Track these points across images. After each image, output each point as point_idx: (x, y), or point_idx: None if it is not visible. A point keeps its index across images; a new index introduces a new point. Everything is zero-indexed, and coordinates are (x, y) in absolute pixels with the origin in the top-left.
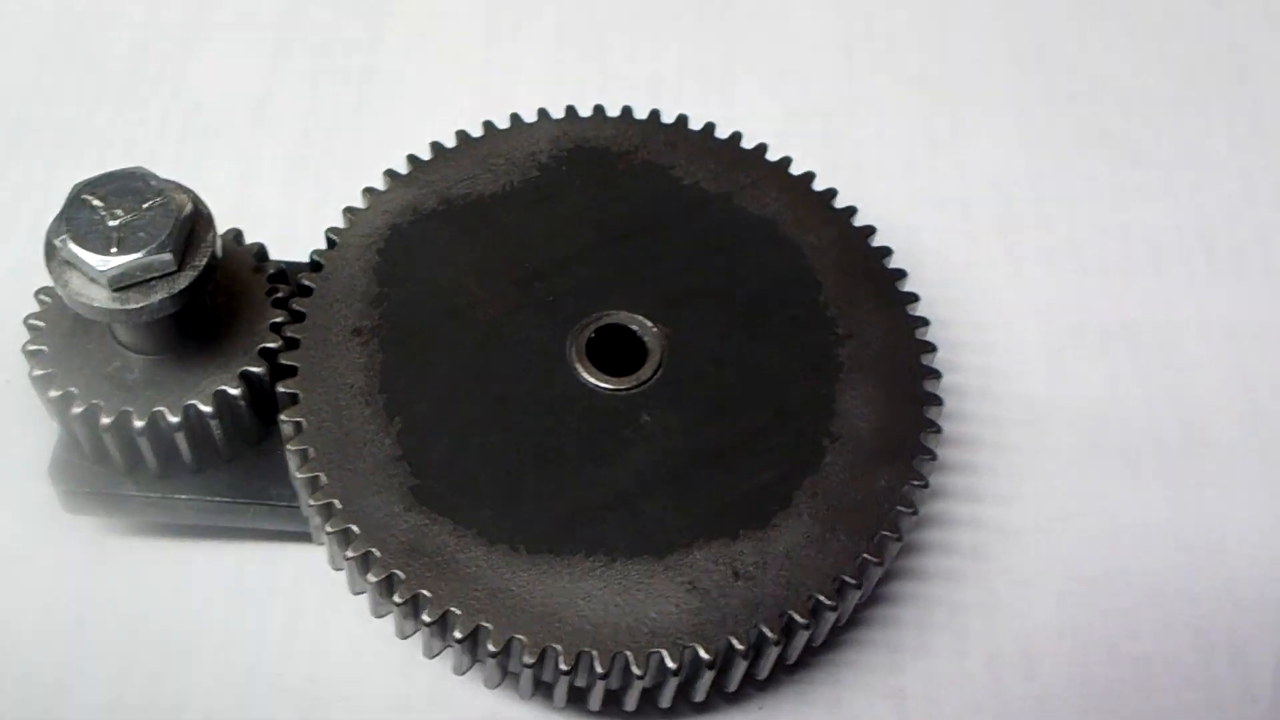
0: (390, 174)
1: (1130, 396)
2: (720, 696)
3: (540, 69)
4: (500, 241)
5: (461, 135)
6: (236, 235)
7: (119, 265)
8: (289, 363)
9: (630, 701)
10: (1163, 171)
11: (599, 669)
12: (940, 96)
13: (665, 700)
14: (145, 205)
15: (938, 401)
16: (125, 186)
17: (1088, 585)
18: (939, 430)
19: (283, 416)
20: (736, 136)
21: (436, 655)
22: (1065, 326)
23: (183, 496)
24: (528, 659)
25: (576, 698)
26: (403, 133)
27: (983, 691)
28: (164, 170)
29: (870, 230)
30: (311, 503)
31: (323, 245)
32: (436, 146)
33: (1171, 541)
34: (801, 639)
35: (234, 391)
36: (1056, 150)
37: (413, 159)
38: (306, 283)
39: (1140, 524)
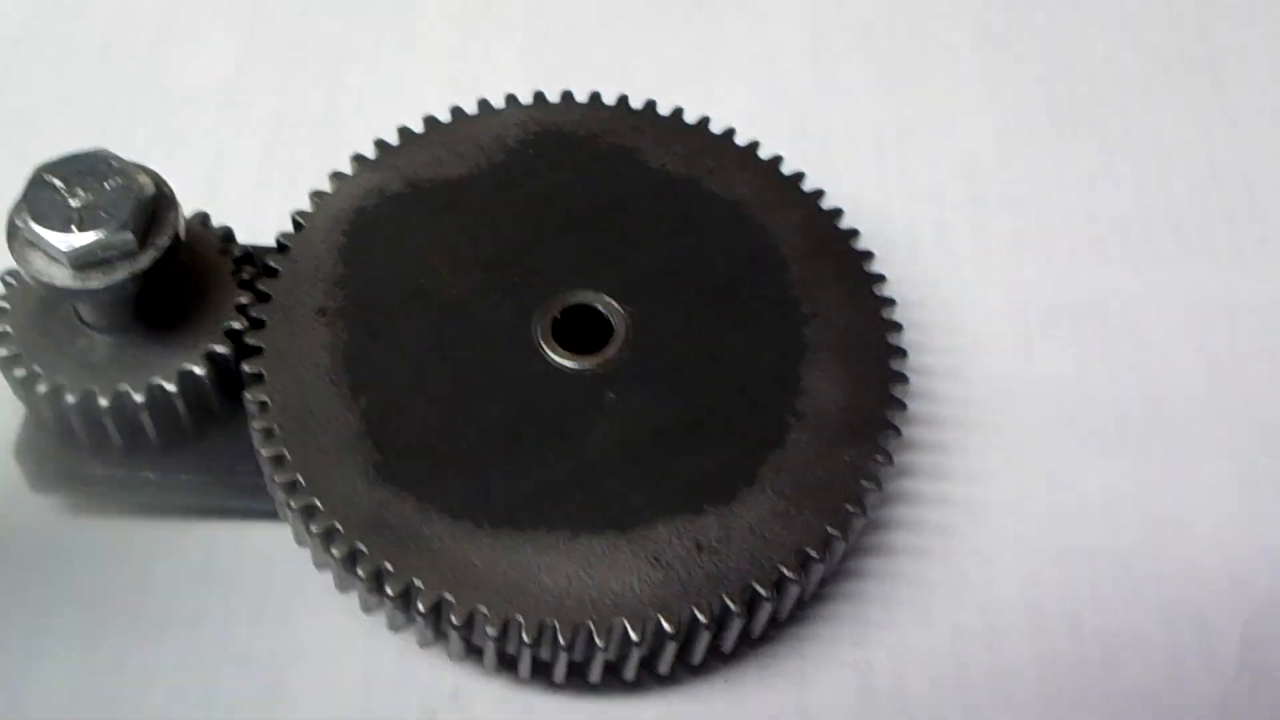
0: (357, 158)
1: (1097, 376)
2: (685, 669)
3: (511, 56)
4: (466, 224)
5: (429, 120)
6: (203, 218)
7: (80, 244)
8: (254, 342)
9: (594, 674)
10: (1130, 155)
11: (562, 640)
12: (910, 81)
13: (629, 673)
14: (107, 185)
15: (904, 379)
16: (87, 167)
17: (1053, 561)
18: (905, 408)
19: (248, 395)
20: (705, 121)
21: (401, 630)
22: (1033, 307)
23: (149, 475)
24: (491, 631)
25: (541, 671)
26: (373, 120)
27: (947, 665)
28: (135, 156)
29: (838, 212)
30: (276, 479)
31: (289, 229)
32: (404, 131)
33: (1137, 518)
34: (765, 611)
35: (199, 371)
36: (1025, 134)
37: (380, 144)
38: (272, 264)
39: (1106, 501)
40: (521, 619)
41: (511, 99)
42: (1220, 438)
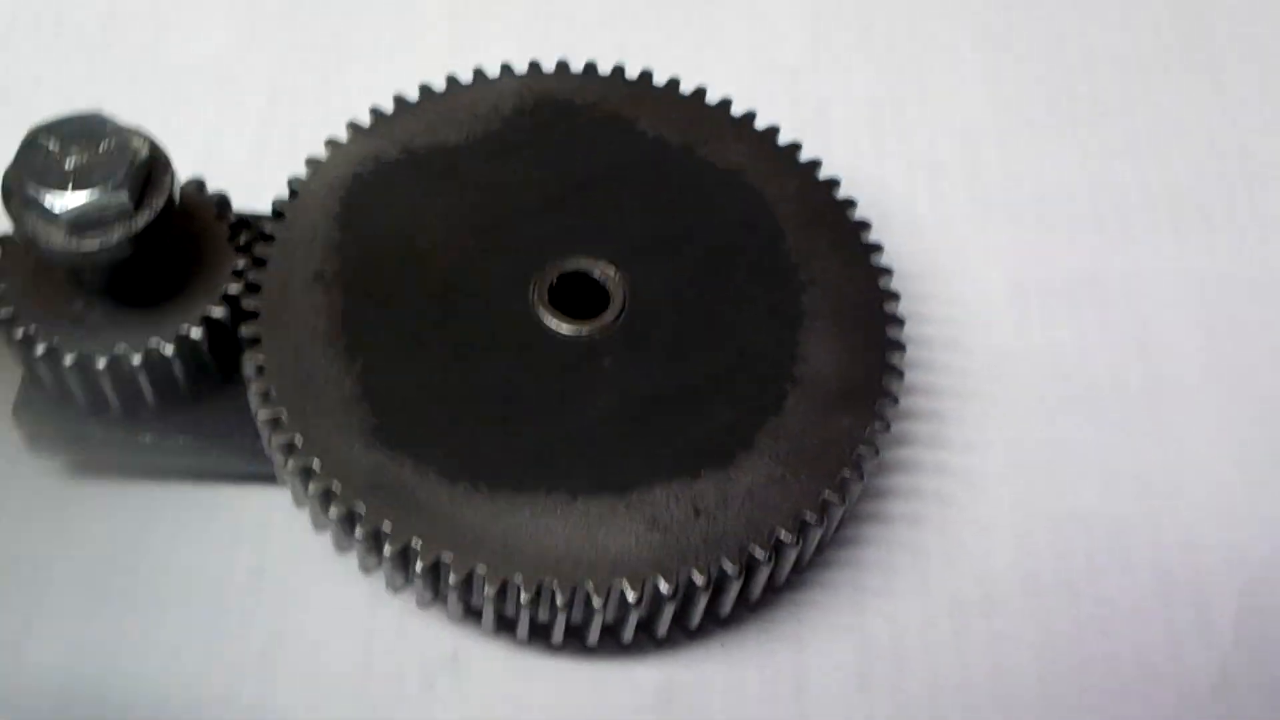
0: (353, 126)
1: (1094, 348)
2: (683, 634)
3: (506, 25)
4: (462, 191)
5: (424, 89)
6: (199, 185)
7: (75, 205)
8: (251, 306)
9: (592, 636)
10: (1128, 128)
11: (559, 600)
12: (908, 53)
13: (627, 635)
14: (101, 147)
15: (901, 348)
16: (82, 128)
17: (1049, 529)
18: (902, 376)
19: (245, 358)
20: (701, 91)
21: (400, 591)
22: (1030, 279)
23: (147, 438)
24: (489, 590)
25: (539, 634)
26: (369, 89)
27: (944, 632)
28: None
29: (835, 183)
30: (273, 441)
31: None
32: (399, 99)
33: (1134, 488)
34: (763, 575)
35: (196, 334)
36: (1023, 106)
37: (375, 111)
38: (268, 230)
39: (1103, 471)
40: (520, 579)
41: (506, 68)
42: (1217, 409)
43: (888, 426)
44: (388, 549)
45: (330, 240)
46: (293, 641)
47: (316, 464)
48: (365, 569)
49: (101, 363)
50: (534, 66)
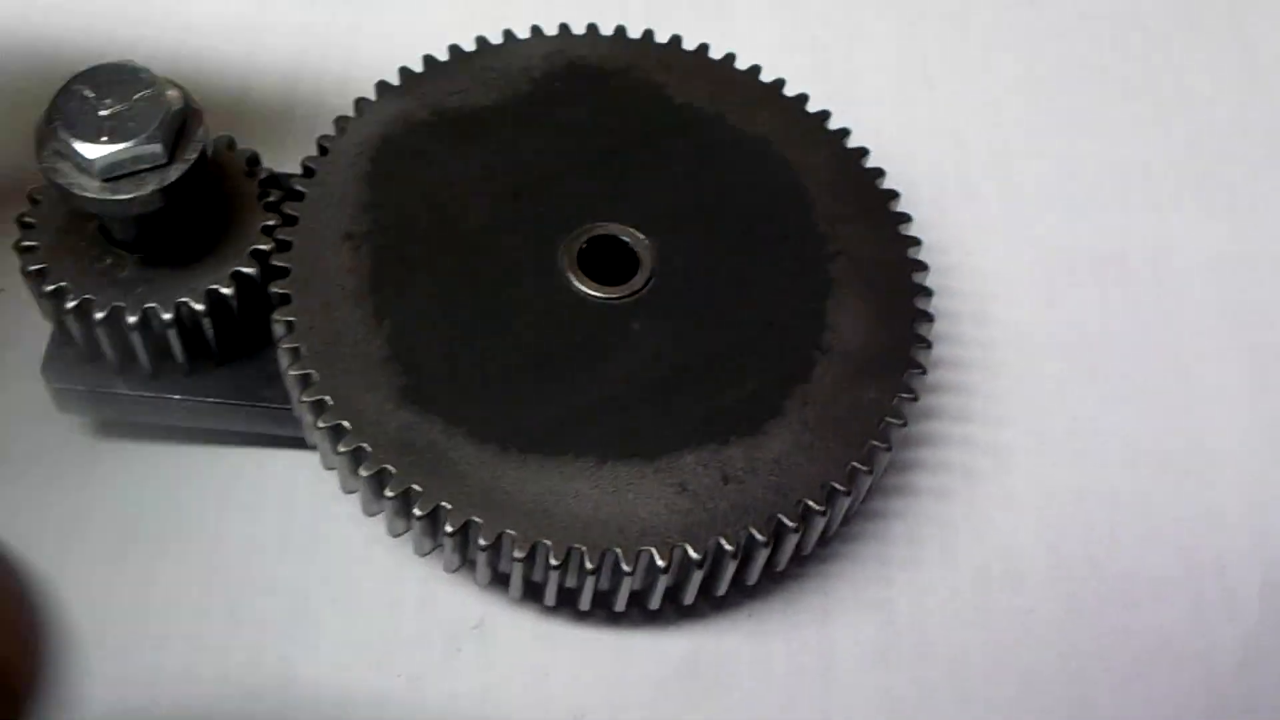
0: (382, 85)
1: (1120, 322)
2: (708, 603)
3: None
4: (492, 153)
5: (454, 49)
6: (230, 141)
7: (109, 154)
8: (281, 264)
9: (620, 602)
10: (1155, 103)
11: (589, 565)
12: (936, 25)
13: (654, 602)
14: (136, 97)
15: (928, 318)
16: (116, 78)
17: (1074, 504)
18: (929, 345)
19: (275, 315)
20: (730, 58)
21: (428, 554)
22: (1057, 253)
23: (175, 396)
24: (518, 554)
25: (567, 600)
26: (397, 49)
27: (969, 605)
28: None
29: (863, 152)
30: (303, 399)
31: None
32: (429, 59)
33: (1158, 463)
34: (790, 543)
35: (226, 291)
36: (1050, 80)
37: (405, 71)
38: (298, 187)
39: (1128, 446)
40: (549, 543)
41: (536, 30)
42: (1242, 384)
43: (916, 396)
44: (417, 510)
45: (359, 200)
46: (318, 605)
47: (347, 423)
48: (393, 532)
49: (132, 318)
50: (564, 29)
